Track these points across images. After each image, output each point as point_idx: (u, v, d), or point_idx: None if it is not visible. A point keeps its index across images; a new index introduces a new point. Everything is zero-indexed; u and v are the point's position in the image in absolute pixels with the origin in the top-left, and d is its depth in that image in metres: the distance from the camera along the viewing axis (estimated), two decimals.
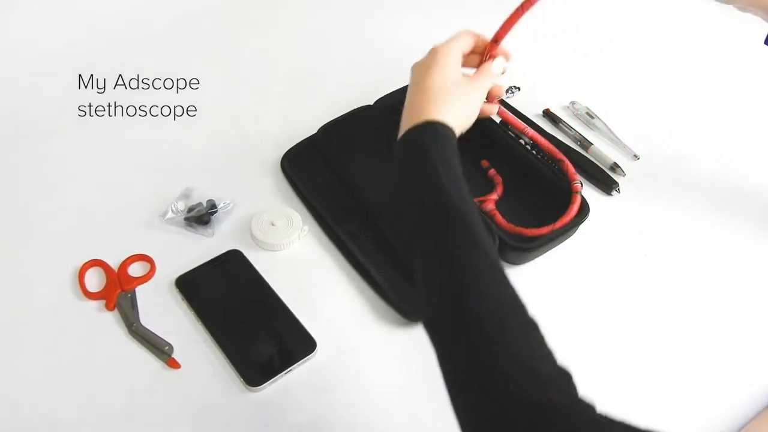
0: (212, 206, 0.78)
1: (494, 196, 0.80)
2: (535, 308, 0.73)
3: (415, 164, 0.58)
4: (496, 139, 0.84)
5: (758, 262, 0.77)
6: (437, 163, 0.56)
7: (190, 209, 0.78)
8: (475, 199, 0.79)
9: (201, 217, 0.77)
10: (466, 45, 0.70)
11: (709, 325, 0.72)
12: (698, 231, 0.80)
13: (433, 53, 0.67)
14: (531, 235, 0.74)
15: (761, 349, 0.70)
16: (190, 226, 0.77)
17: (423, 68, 0.66)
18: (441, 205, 0.54)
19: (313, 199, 0.79)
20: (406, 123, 0.62)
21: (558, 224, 0.74)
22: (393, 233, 0.75)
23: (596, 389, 0.67)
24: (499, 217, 0.77)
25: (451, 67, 0.66)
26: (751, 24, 0.95)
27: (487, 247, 0.52)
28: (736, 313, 0.73)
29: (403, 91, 0.89)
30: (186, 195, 0.79)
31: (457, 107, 0.63)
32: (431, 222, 0.54)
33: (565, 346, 0.68)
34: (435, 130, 0.60)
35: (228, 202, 0.79)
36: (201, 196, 0.79)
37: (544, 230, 0.74)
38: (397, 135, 0.82)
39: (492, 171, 0.83)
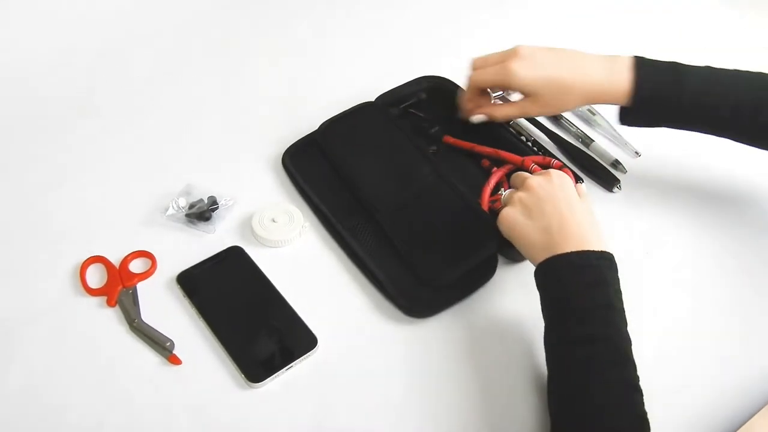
0: (213, 203, 0.78)
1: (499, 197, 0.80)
2: (535, 304, 0.73)
3: (592, 294, 0.61)
4: (498, 139, 0.84)
5: (759, 260, 0.77)
6: (615, 301, 0.61)
7: (192, 206, 0.78)
8: (489, 199, 0.79)
9: (202, 213, 0.77)
10: None
11: (709, 323, 0.72)
12: (699, 228, 0.80)
13: (558, 178, 0.68)
14: None
15: (760, 348, 0.70)
16: (192, 222, 0.77)
17: (569, 188, 0.67)
18: (610, 343, 0.59)
19: (314, 196, 0.79)
20: (568, 236, 0.63)
21: None
22: (393, 229, 0.75)
23: None
24: None
25: (578, 197, 0.68)
26: (756, 25, 0.95)
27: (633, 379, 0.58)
28: (736, 311, 0.73)
29: (403, 87, 0.90)
30: (187, 192, 0.79)
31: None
32: (592, 351, 0.59)
33: None
34: (612, 265, 0.63)
35: (229, 198, 0.79)
36: (202, 193, 0.79)
37: None
38: (396, 131, 0.83)
39: (495, 169, 0.82)
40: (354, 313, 0.71)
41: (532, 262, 0.66)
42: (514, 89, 0.77)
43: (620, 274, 0.75)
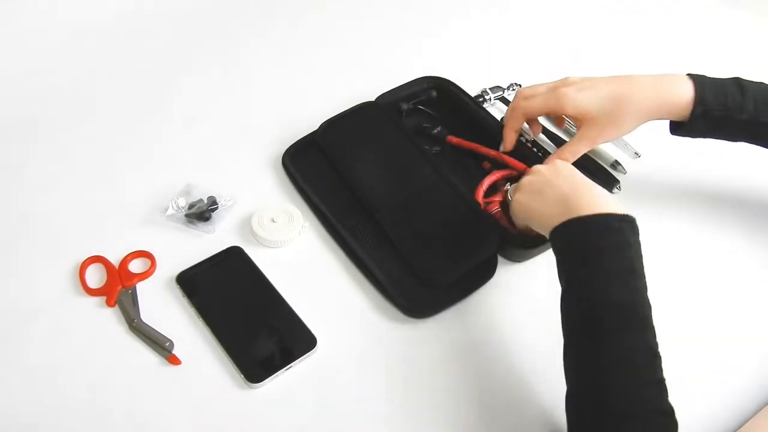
0: (213, 203, 0.78)
1: (499, 197, 0.80)
2: (535, 304, 0.73)
3: (614, 257, 0.60)
4: (497, 140, 0.84)
5: (759, 261, 0.77)
6: (636, 265, 0.60)
7: (191, 206, 0.78)
8: (482, 200, 0.79)
9: (202, 213, 0.77)
10: None
11: (709, 323, 0.72)
12: (699, 229, 0.80)
13: (563, 164, 0.70)
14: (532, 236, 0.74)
15: (760, 347, 0.70)
16: (191, 222, 0.77)
17: (570, 169, 0.69)
18: (632, 306, 0.58)
19: (314, 196, 0.79)
20: (585, 201, 0.63)
21: None
22: (393, 229, 0.75)
23: None
24: (504, 220, 0.77)
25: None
26: (756, 25, 0.95)
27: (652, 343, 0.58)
28: (736, 311, 0.73)
29: (404, 87, 0.90)
30: (187, 192, 0.79)
31: None
32: (613, 318, 0.57)
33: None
34: (634, 227, 0.61)
35: (229, 198, 0.79)
36: (202, 193, 0.79)
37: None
38: (397, 131, 0.82)
39: (494, 172, 0.82)
40: (354, 313, 0.71)
41: (549, 228, 0.64)
42: (569, 114, 0.75)
43: None
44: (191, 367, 0.66)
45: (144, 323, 0.69)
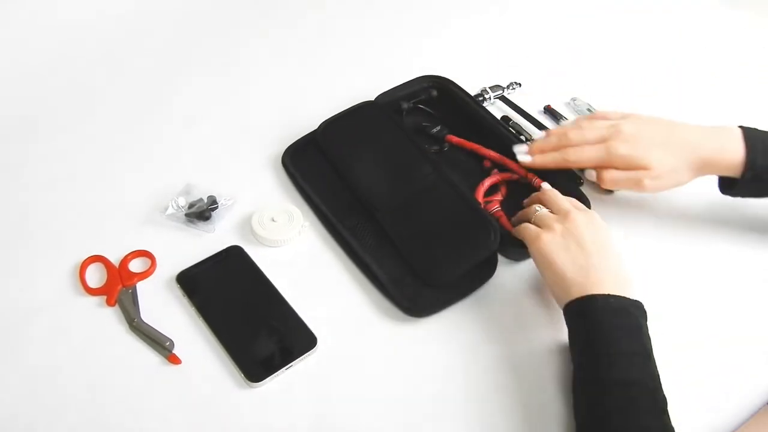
0: (213, 202, 0.78)
1: (499, 197, 0.80)
2: (536, 303, 0.73)
3: (631, 340, 0.61)
4: (497, 140, 0.84)
5: (759, 260, 0.77)
6: (649, 349, 0.61)
7: (191, 205, 0.78)
8: (482, 199, 0.79)
9: (202, 212, 0.77)
10: None
11: (708, 323, 0.72)
12: (699, 228, 0.80)
13: (599, 218, 0.69)
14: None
15: (759, 347, 0.70)
16: (191, 221, 0.77)
17: (604, 230, 0.68)
18: (646, 389, 0.59)
19: (314, 195, 0.79)
20: (605, 279, 0.63)
21: None
22: (393, 229, 0.75)
23: None
24: (504, 219, 0.77)
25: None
26: (756, 25, 0.95)
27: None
28: (736, 310, 0.73)
29: (404, 86, 0.90)
30: (187, 191, 0.79)
31: None
32: (630, 400, 0.58)
33: (565, 334, 0.69)
34: (644, 315, 0.63)
35: (229, 198, 0.79)
36: (202, 192, 0.79)
37: None
38: (397, 130, 0.82)
39: (495, 171, 0.82)
40: (354, 312, 0.71)
41: (559, 297, 0.65)
42: (619, 168, 0.74)
43: None
44: (191, 366, 0.66)
45: (144, 323, 0.69)
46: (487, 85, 0.93)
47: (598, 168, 0.75)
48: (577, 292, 0.63)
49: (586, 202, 0.76)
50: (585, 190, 0.81)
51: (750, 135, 0.71)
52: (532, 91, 0.94)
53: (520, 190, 0.81)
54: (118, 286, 0.71)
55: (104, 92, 0.93)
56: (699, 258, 0.78)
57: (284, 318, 0.69)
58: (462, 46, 1.03)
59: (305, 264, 0.75)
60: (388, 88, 0.89)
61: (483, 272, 0.73)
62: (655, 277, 0.75)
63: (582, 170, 0.78)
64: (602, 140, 0.74)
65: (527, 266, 0.76)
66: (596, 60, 1.02)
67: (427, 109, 0.89)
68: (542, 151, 0.77)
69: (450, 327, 0.70)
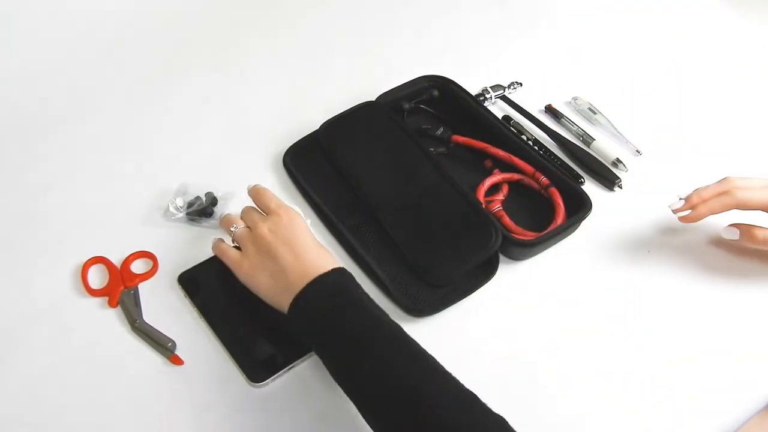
0: (212, 198, 0.78)
1: (500, 197, 0.80)
2: (537, 303, 0.73)
3: (339, 302, 0.62)
4: (498, 139, 0.84)
5: (760, 260, 0.77)
6: (364, 299, 0.63)
7: (190, 204, 0.78)
8: (483, 199, 0.79)
9: (204, 209, 0.77)
10: None
11: (711, 322, 0.72)
12: (701, 226, 0.80)
13: (286, 215, 0.69)
14: (525, 238, 0.74)
15: (760, 349, 0.70)
16: (193, 220, 0.77)
17: (288, 228, 0.68)
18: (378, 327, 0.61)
19: (315, 195, 0.79)
20: (298, 274, 0.64)
21: (546, 230, 0.75)
22: (395, 228, 0.75)
23: (597, 382, 0.67)
24: (506, 219, 0.77)
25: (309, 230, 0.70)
26: (756, 25, 0.95)
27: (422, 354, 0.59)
28: (738, 310, 0.73)
29: (405, 86, 0.90)
30: (183, 191, 0.79)
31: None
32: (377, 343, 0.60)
33: (567, 337, 0.69)
34: (344, 273, 0.65)
35: (227, 191, 0.79)
36: (198, 190, 0.79)
37: (530, 235, 0.75)
38: (398, 131, 0.82)
39: (496, 171, 0.82)
40: None
41: (282, 307, 0.64)
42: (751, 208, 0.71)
43: (625, 270, 0.75)
44: (193, 367, 0.66)
45: (146, 323, 0.69)
46: (488, 84, 0.93)
47: (746, 226, 0.72)
48: (288, 299, 0.63)
49: (587, 202, 0.76)
50: (588, 186, 0.82)
51: None
52: (533, 91, 0.94)
53: (522, 189, 0.81)
54: (120, 287, 0.71)
55: (104, 93, 0.93)
56: (705, 253, 0.77)
57: (286, 319, 0.69)
58: (463, 45, 1.03)
59: None
60: (389, 88, 0.89)
61: (484, 272, 0.73)
62: (660, 273, 0.75)
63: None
64: (720, 192, 0.71)
65: (528, 266, 0.76)
66: (597, 60, 1.01)
67: (429, 109, 0.89)
68: (703, 200, 0.72)
69: (451, 326, 0.70)
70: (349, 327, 0.61)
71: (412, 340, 0.60)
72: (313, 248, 0.66)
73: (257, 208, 0.71)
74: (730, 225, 0.72)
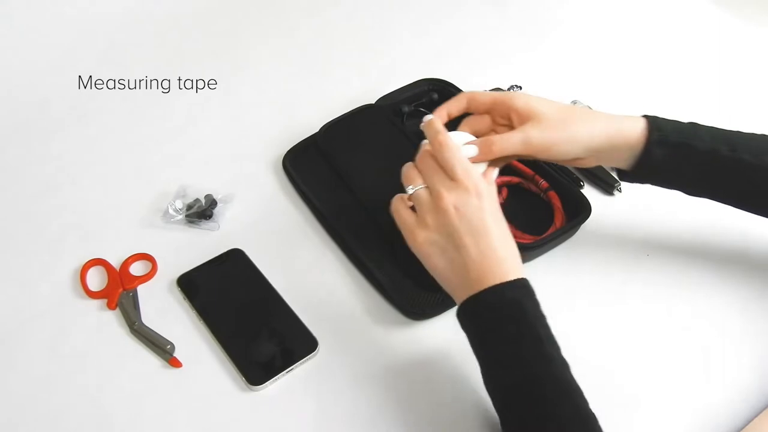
0: (212, 200, 0.78)
1: (499, 200, 0.80)
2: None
3: (513, 330, 0.57)
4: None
5: (761, 261, 0.77)
6: (539, 329, 0.57)
7: (189, 207, 0.78)
8: None
9: (203, 211, 0.77)
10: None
11: (712, 323, 0.72)
12: (700, 229, 0.80)
13: (475, 191, 0.60)
14: (524, 242, 0.74)
15: (761, 350, 0.70)
16: (193, 222, 0.77)
17: (478, 210, 0.60)
18: (548, 374, 0.56)
19: (314, 198, 0.79)
20: (478, 273, 0.58)
21: (545, 234, 0.75)
22: (394, 231, 0.75)
23: (599, 382, 0.67)
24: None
25: (499, 210, 0.62)
26: (756, 25, 0.95)
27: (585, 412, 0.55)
28: (738, 312, 0.73)
29: (404, 89, 0.90)
30: (182, 194, 0.79)
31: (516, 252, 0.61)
32: (534, 390, 0.56)
33: (569, 340, 0.69)
34: (527, 291, 0.59)
35: (226, 193, 0.79)
36: (198, 193, 0.79)
37: (529, 238, 0.75)
38: (397, 133, 0.82)
39: None
40: (354, 315, 0.71)
41: (454, 297, 0.61)
42: (517, 107, 0.66)
43: (624, 274, 0.75)
44: (192, 369, 0.66)
45: (145, 326, 0.69)
46: (488, 88, 0.93)
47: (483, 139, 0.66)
48: (461, 295, 0.59)
49: (586, 206, 0.77)
50: (587, 190, 0.82)
51: (651, 115, 0.67)
52: (532, 94, 0.94)
53: (521, 193, 0.81)
54: (119, 290, 0.71)
55: (104, 94, 0.93)
56: (705, 256, 0.77)
57: (285, 321, 0.69)
58: (462, 48, 1.03)
59: (306, 267, 0.75)
60: (389, 91, 0.89)
61: None
62: (660, 276, 0.75)
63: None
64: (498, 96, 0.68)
65: (528, 269, 0.75)
66: (596, 63, 1.02)
67: (428, 112, 0.89)
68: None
69: (450, 329, 0.70)
70: (515, 359, 0.56)
71: (575, 385, 0.56)
72: (500, 246, 0.59)
73: (439, 163, 0.62)
74: (468, 142, 0.66)
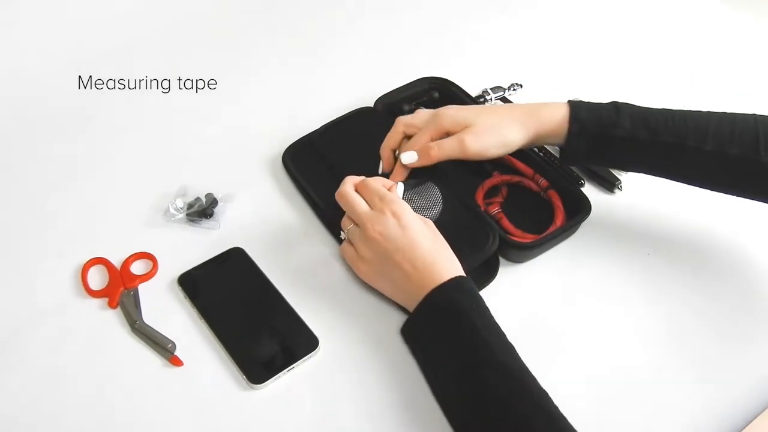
0: (212, 199, 0.78)
1: (499, 199, 0.80)
2: (537, 305, 0.73)
3: (448, 325, 0.63)
4: None
5: (762, 259, 0.77)
6: (476, 318, 0.62)
7: (190, 206, 0.78)
8: (482, 201, 0.79)
9: (204, 210, 0.77)
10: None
11: (712, 322, 0.72)
12: (700, 228, 0.80)
13: (391, 213, 0.67)
14: (525, 241, 0.74)
15: (761, 351, 0.70)
16: (193, 221, 0.77)
17: (399, 230, 0.66)
18: (487, 359, 0.60)
19: (314, 195, 0.79)
20: (417, 284, 0.64)
21: (546, 233, 0.75)
22: None
23: (599, 381, 0.67)
24: (505, 221, 0.77)
25: (417, 219, 0.69)
26: (757, 25, 0.95)
27: (532, 387, 0.59)
28: (738, 312, 0.73)
29: (405, 88, 0.90)
30: (183, 193, 0.79)
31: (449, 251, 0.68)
32: (476, 375, 0.60)
33: (568, 337, 0.69)
34: (459, 285, 0.64)
35: (227, 192, 0.79)
36: (198, 191, 0.79)
37: (529, 237, 0.75)
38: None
39: (495, 173, 0.82)
40: (355, 313, 0.71)
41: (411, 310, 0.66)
42: (447, 127, 0.73)
43: (625, 273, 0.75)
44: (193, 368, 0.66)
45: (146, 325, 0.69)
46: (489, 86, 0.93)
47: (423, 146, 0.74)
48: (410, 306, 0.65)
49: (586, 204, 0.77)
50: (588, 188, 0.82)
51: (574, 101, 0.72)
52: (533, 92, 0.94)
53: (521, 191, 0.81)
54: (120, 288, 0.71)
55: (106, 93, 0.93)
56: (706, 254, 0.77)
57: (286, 320, 0.69)
58: (463, 47, 1.03)
59: (306, 265, 0.75)
60: (389, 90, 0.89)
61: (484, 275, 0.73)
62: (661, 274, 0.75)
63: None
64: (432, 112, 0.75)
65: (528, 267, 0.76)
66: (597, 60, 1.02)
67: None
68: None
69: None
70: (453, 351, 0.62)
71: (518, 365, 0.60)
72: (428, 253, 0.65)
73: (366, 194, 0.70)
74: (406, 151, 0.74)
